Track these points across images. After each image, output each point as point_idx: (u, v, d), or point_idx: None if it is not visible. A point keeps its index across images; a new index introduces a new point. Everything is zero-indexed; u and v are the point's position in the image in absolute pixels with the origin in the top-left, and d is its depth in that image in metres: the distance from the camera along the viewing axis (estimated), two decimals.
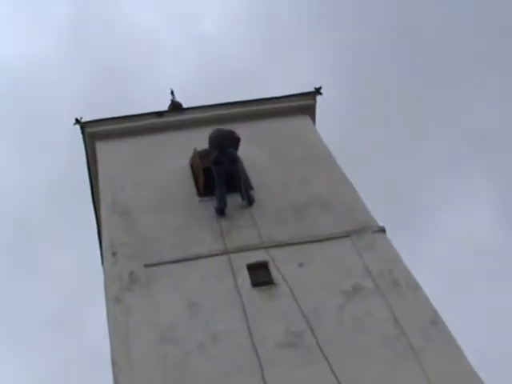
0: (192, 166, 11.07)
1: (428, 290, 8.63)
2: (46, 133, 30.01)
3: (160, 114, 12.50)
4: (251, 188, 10.44)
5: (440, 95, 28.67)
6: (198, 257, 9.26)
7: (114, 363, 7.80)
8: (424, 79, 28.98)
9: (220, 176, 10.18)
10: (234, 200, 10.16)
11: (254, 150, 11.11)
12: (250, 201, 10.18)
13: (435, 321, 8.20)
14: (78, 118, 12.01)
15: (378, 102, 28.32)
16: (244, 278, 8.89)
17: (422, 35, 30.10)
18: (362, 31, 30.95)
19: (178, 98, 14.16)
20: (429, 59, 28.71)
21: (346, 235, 9.49)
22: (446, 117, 27.85)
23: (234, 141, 10.40)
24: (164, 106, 13.75)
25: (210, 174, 10.36)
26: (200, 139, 10.86)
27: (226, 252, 9.30)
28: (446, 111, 27.84)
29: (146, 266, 9.11)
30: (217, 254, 9.29)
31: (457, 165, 27.30)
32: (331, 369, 7.52)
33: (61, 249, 27.69)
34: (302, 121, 12.26)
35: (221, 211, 10.02)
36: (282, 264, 9.04)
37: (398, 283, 8.72)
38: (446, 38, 29.72)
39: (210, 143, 10.46)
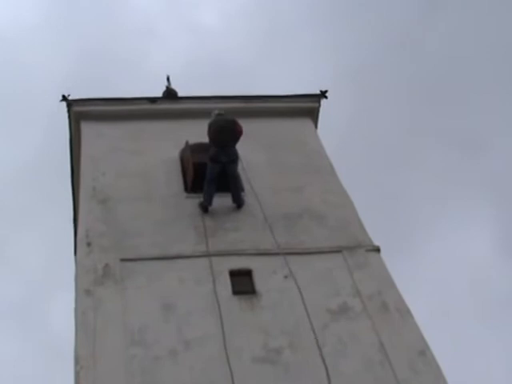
0: (182, 159, 10.54)
1: (418, 317, 8.24)
2: (28, 108, 29.19)
3: (153, 100, 11.98)
4: (242, 190, 9.94)
5: (449, 108, 28.30)
6: (178, 256, 8.81)
7: (76, 361, 7.39)
8: (432, 89, 28.68)
9: (213, 174, 9.64)
10: (223, 200, 9.65)
11: (249, 149, 10.50)
12: (239, 204, 9.69)
13: (423, 351, 7.78)
14: (65, 95, 11.45)
15: (380, 111, 28.00)
16: (225, 284, 8.46)
17: (426, 41, 29.99)
18: (366, 34, 30.60)
19: (173, 87, 13.65)
20: (437, 72, 28.44)
21: (338, 250, 9.05)
22: (447, 130, 27.53)
23: (236, 135, 9.75)
24: (157, 93, 13.20)
25: (200, 170, 9.80)
26: (193, 131, 10.39)
27: (209, 254, 8.81)
28: (449, 123, 27.41)
29: (123, 260, 8.65)
30: (198, 256, 8.83)
31: (456, 184, 26.86)
32: None
33: (29, 231, 26.67)
34: (304, 124, 11.74)
35: (204, 208, 9.56)
36: (266, 274, 8.61)
37: (387, 307, 8.31)
38: (450, 44, 29.58)
39: (209, 133, 9.81)
